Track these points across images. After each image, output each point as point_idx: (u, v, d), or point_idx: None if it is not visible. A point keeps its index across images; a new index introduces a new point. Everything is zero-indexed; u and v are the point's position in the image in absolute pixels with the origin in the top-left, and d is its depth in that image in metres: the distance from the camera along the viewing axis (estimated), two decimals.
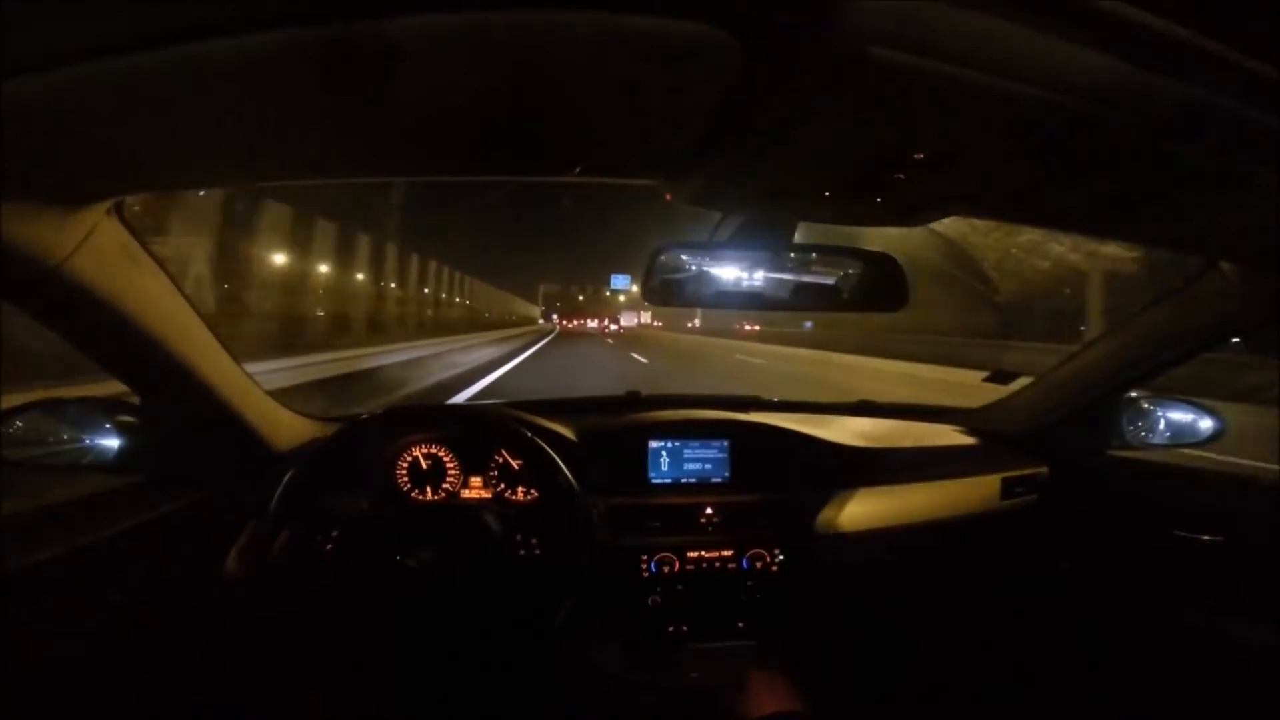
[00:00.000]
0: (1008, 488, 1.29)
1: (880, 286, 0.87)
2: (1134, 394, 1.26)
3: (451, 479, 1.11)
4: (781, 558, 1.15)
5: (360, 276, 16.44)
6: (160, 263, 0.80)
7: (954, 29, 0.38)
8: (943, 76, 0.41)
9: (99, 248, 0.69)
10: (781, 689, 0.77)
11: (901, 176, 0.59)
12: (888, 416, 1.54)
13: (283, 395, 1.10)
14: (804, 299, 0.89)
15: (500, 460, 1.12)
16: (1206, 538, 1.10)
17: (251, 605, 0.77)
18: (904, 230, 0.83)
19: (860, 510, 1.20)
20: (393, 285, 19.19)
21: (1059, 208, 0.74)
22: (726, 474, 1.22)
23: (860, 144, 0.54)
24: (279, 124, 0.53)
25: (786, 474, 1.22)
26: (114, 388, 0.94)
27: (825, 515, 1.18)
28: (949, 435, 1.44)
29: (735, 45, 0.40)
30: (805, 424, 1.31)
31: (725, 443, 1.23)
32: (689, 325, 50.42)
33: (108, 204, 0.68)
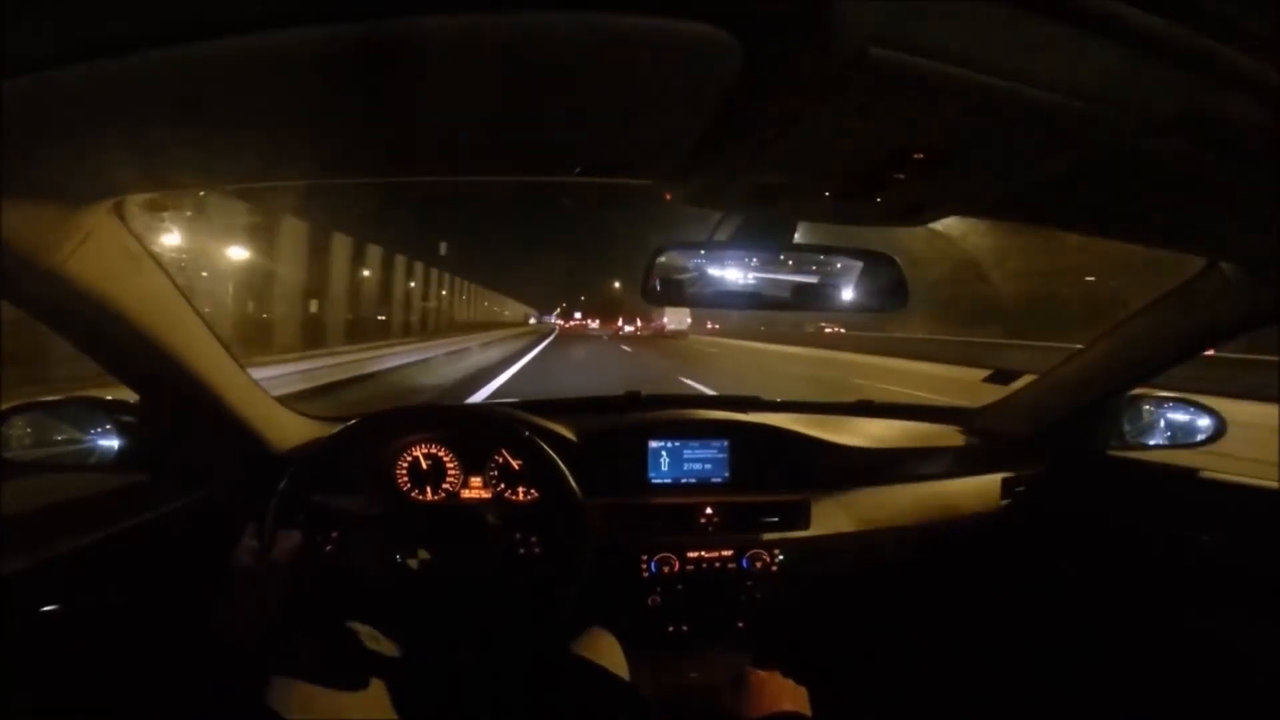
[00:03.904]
0: (1008, 488, 1.29)
1: (880, 286, 0.87)
2: (1134, 394, 1.26)
3: (451, 479, 1.11)
4: (781, 558, 1.15)
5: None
6: (160, 263, 0.80)
7: (953, 29, 0.38)
8: (942, 76, 0.41)
9: (99, 248, 0.69)
10: (781, 689, 0.77)
11: (901, 176, 0.59)
12: (887, 416, 1.53)
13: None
14: (804, 299, 0.89)
15: (500, 460, 1.12)
16: (1206, 538, 1.10)
17: (252, 607, 0.77)
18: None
19: (860, 510, 1.20)
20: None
21: (1059, 208, 0.74)
22: (726, 474, 1.22)
23: (859, 144, 0.54)
24: (278, 124, 0.53)
25: (786, 474, 1.22)
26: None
27: (825, 515, 1.18)
28: (949, 435, 1.44)
29: (735, 45, 0.40)
30: (805, 424, 1.31)
31: (725, 443, 1.23)
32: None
33: (108, 204, 0.68)
